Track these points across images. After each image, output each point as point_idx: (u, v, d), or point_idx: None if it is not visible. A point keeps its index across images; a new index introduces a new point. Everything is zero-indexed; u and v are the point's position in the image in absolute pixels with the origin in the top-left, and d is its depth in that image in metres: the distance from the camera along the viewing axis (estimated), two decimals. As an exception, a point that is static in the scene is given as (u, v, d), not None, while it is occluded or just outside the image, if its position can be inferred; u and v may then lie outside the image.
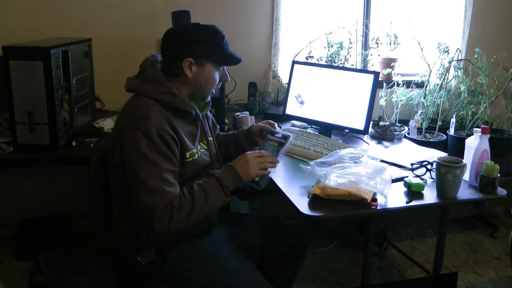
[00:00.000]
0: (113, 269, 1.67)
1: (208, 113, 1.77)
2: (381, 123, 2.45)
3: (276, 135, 1.72)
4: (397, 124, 2.56)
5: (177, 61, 1.53)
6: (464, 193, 1.68)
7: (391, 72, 2.95)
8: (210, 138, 1.70)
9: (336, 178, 1.56)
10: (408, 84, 2.98)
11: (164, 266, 1.54)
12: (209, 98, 1.67)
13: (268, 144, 1.69)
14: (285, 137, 1.69)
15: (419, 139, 2.74)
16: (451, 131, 2.80)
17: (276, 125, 1.85)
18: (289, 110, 2.42)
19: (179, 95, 1.54)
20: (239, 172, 1.53)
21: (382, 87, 2.94)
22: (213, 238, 1.65)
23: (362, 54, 3.03)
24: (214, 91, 1.63)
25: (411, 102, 2.95)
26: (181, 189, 1.46)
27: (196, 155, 1.56)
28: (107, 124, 2.36)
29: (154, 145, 1.42)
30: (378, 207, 1.53)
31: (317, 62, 2.88)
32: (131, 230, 1.54)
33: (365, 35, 3.10)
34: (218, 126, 1.90)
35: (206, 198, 1.46)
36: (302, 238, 1.86)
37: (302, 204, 1.54)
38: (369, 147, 2.24)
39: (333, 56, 2.88)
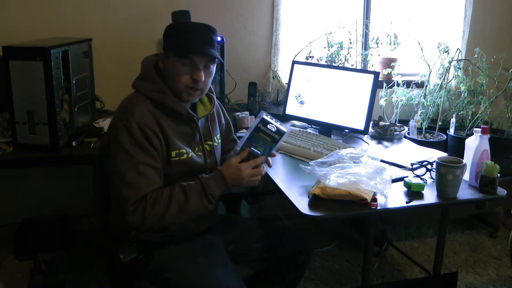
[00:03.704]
0: (105, 267, 1.67)
1: (222, 116, 1.74)
2: (381, 123, 2.45)
3: (268, 126, 1.49)
4: (397, 124, 2.56)
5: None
6: (464, 193, 1.68)
7: (391, 72, 2.95)
8: (210, 143, 1.64)
9: (336, 178, 1.56)
10: (408, 84, 2.98)
11: (149, 265, 1.53)
12: (188, 98, 1.52)
13: (260, 136, 1.48)
14: (280, 134, 1.50)
15: (419, 139, 2.74)
16: (451, 131, 2.80)
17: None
18: (289, 110, 2.42)
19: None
20: (227, 180, 1.45)
21: (382, 87, 2.94)
22: (203, 241, 1.62)
23: (362, 54, 3.03)
24: (191, 92, 1.49)
25: (411, 102, 2.95)
26: (163, 188, 1.44)
27: (185, 155, 1.52)
28: (107, 124, 2.35)
29: (134, 139, 1.41)
30: (378, 207, 1.53)
31: (317, 62, 2.88)
32: (123, 226, 1.52)
33: (365, 35, 3.10)
34: (233, 130, 1.85)
35: (186, 201, 1.42)
36: (305, 244, 1.80)
37: (302, 204, 1.54)
38: (369, 147, 2.24)
39: (333, 56, 2.88)
